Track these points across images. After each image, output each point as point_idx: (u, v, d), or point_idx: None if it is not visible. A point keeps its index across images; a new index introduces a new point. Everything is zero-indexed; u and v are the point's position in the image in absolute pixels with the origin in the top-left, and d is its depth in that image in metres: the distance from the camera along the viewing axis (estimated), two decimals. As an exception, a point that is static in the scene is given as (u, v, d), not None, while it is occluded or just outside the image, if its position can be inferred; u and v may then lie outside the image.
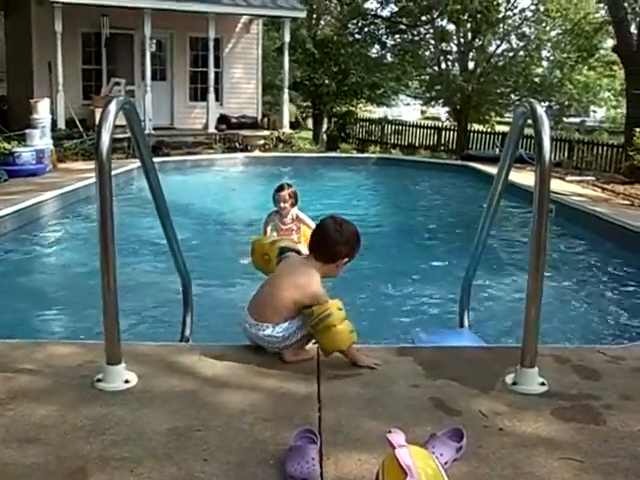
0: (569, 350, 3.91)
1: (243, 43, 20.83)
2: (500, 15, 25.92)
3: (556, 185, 12.00)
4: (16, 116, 18.07)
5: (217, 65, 19.74)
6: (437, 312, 6.28)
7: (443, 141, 23.88)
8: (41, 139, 13.40)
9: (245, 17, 20.42)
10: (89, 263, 6.84)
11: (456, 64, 27.42)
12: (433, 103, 31.63)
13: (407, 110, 41.77)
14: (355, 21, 27.63)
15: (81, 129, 16.42)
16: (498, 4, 25.51)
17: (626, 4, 18.86)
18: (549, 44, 27.39)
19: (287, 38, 19.91)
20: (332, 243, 3.58)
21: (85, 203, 10.76)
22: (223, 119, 19.49)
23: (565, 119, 29.31)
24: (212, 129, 18.90)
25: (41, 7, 16.98)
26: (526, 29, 27.03)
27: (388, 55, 28.43)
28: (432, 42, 27.76)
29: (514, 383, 3.26)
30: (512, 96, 26.86)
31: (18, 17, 19.09)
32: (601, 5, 24.85)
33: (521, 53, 26.73)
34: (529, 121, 3.39)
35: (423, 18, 26.81)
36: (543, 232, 3.15)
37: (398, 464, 2.10)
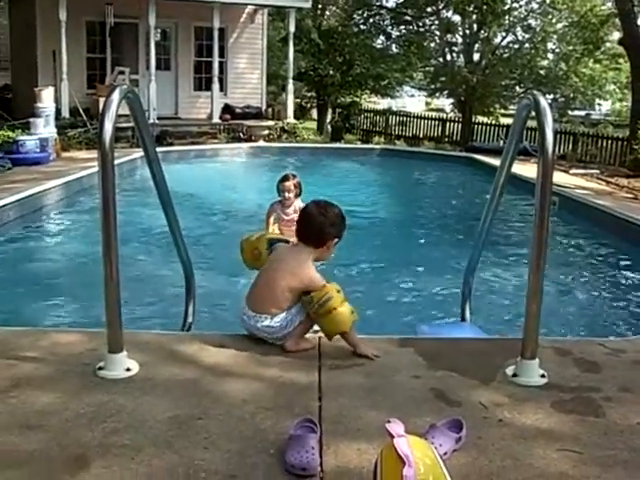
0: (570, 342, 3.92)
1: (248, 33, 20.79)
2: (506, 7, 25.79)
3: (560, 178, 11.98)
4: (20, 105, 18.05)
5: (222, 55, 19.70)
6: (438, 303, 6.28)
7: (447, 133, 23.83)
8: (45, 128, 13.41)
9: (250, 7, 20.37)
10: (92, 252, 6.85)
11: (461, 56, 27.33)
12: (438, 95, 31.54)
13: (412, 101, 41.68)
14: (360, 12, 27.55)
15: (85, 118, 16.42)
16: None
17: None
18: (555, 36, 27.28)
19: (292, 28, 19.87)
20: (319, 227, 3.62)
21: (88, 192, 10.76)
22: (227, 109, 19.47)
23: (570, 112, 29.21)
24: (216, 119, 18.87)
25: (45, -5, 16.97)
26: (532, 21, 26.93)
27: (393, 46, 28.35)
28: (437, 33, 27.67)
29: (514, 375, 3.27)
30: (517, 88, 26.79)
31: (23, 6, 19.04)
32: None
33: (527, 45, 26.63)
34: (533, 113, 3.39)
35: (428, 9, 26.71)
36: (545, 225, 3.15)
37: (396, 453, 2.11)
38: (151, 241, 8.12)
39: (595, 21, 24.93)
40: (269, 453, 2.54)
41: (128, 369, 3.21)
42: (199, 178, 13.87)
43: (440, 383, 3.20)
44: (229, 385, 3.13)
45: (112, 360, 3.19)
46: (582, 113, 33.81)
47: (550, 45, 27.71)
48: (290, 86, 20.00)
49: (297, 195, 6.92)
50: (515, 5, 26.39)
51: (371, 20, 27.63)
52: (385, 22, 27.73)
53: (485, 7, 24.55)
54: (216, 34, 18.50)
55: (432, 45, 28.20)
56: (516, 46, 26.84)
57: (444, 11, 26.60)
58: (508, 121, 21.18)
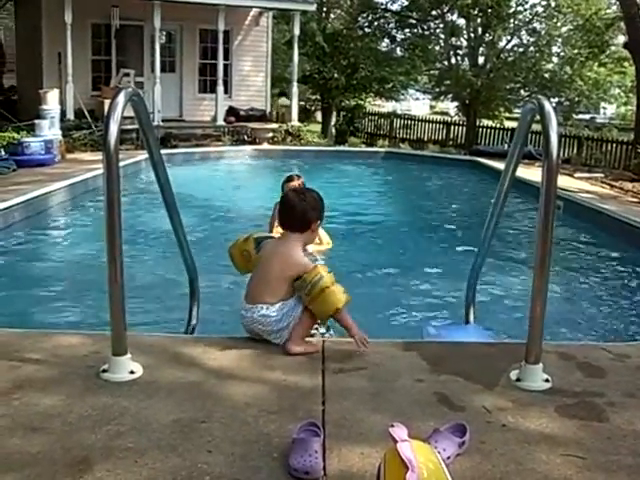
0: (574, 347, 3.91)
1: (253, 36, 20.82)
2: (511, 10, 25.80)
3: (564, 182, 11.97)
4: (25, 106, 18.11)
5: (226, 57, 19.73)
6: (443, 306, 6.28)
7: (452, 136, 23.84)
8: (50, 129, 13.44)
9: (255, 10, 20.40)
10: (96, 254, 6.86)
11: (466, 59, 27.32)
12: (442, 98, 31.52)
13: (416, 105, 41.68)
14: (365, 15, 27.55)
15: (90, 120, 16.45)
16: (509, -1, 25.44)
17: (638, 0, 18.73)
18: (560, 40, 27.25)
19: (297, 31, 19.89)
20: (302, 212, 3.69)
21: (93, 194, 10.78)
22: (232, 111, 19.49)
23: (575, 115, 29.18)
24: (221, 121, 18.90)
25: (51, -2, 17.01)
26: (537, 24, 26.89)
27: (398, 49, 28.36)
28: (442, 37, 27.66)
29: (518, 379, 3.26)
30: (522, 92, 26.77)
31: (28, 8, 19.11)
32: (613, 1, 24.73)
33: (531, 49, 26.61)
34: (537, 117, 3.39)
35: (433, 12, 26.71)
36: (549, 228, 3.15)
37: (400, 458, 2.11)
38: (155, 243, 8.12)
39: (600, 24, 24.92)
40: (272, 457, 2.54)
41: (132, 372, 3.21)
42: (203, 180, 13.89)
43: (444, 387, 3.20)
44: (233, 388, 3.13)
45: (116, 363, 3.19)
46: (587, 117, 33.77)
47: (555, 49, 27.70)
48: (295, 89, 20.01)
49: None
50: (520, 9, 26.37)
51: (376, 23, 27.63)
52: (390, 25, 27.74)
53: (490, 10, 24.57)
54: (221, 36, 18.53)
55: (437, 48, 28.19)
56: (521, 49, 26.82)
57: (449, 14, 26.59)
58: (513, 124, 21.16)
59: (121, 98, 3.12)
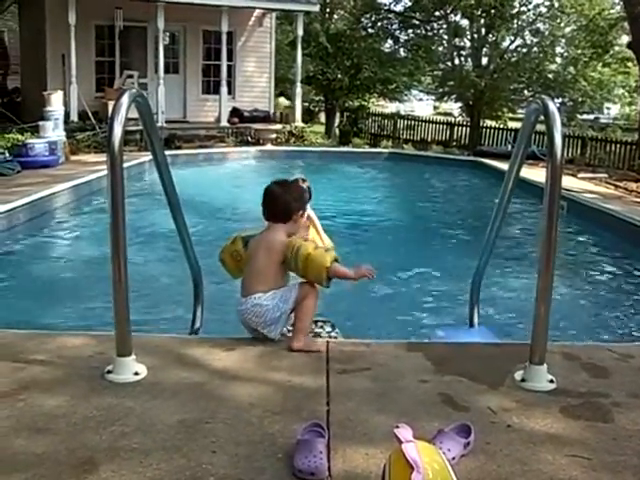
0: (578, 347, 3.90)
1: (256, 37, 20.83)
2: (514, 11, 25.76)
3: (568, 182, 11.96)
4: (29, 108, 18.16)
5: (230, 58, 19.75)
6: (448, 306, 6.28)
7: (455, 137, 23.81)
8: (54, 131, 13.47)
9: (258, 10, 20.41)
10: (101, 255, 6.87)
11: (469, 59, 27.29)
12: (446, 98, 31.49)
13: (420, 105, 41.66)
14: (368, 15, 27.52)
15: (94, 121, 16.47)
16: (512, -1, 25.41)
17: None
18: (563, 40, 27.21)
19: (300, 32, 19.90)
20: (284, 204, 3.76)
21: (97, 195, 10.80)
22: (235, 112, 19.51)
23: (579, 116, 29.11)
24: (224, 122, 18.92)
25: (55, -1, 17.04)
26: (540, 25, 26.85)
27: (401, 50, 28.32)
28: (445, 37, 27.64)
29: (523, 380, 3.25)
30: (525, 92, 26.73)
31: (32, 9, 19.14)
32: (616, 1, 24.68)
33: (535, 49, 26.56)
34: (541, 117, 3.38)
35: (437, 13, 26.68)
36: (554, 229, 3.14)
37: (405, 459, 2.10)
38: (159, 245, 8.13)
39: (604, 25, 24.87)
40: (277, 457, 2.54)
41: (136, 373, 3.21)
42: (207, 181, 13.90)
43: (448, 388, 3.19)
44: (237, 389, 3.13)
45: (120, 364, 3.20)
46: (591, 117, 33.70)
47: (558, 49, 27.66)
48: (298, 90, 20.02)
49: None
50: (523, 9, 26.34)
51: (379, 24, 27.60)
52: (393, 26, 27.70)
53: (493, 11, 24.54)
54: (224, 38, 18.55)
55: (440, 49, 28.17)
56: (524, 50, 26.78)
57: (452, 15, 26.56)
58: (516, 125, 21.16)
59: (125, 99, 3.12)
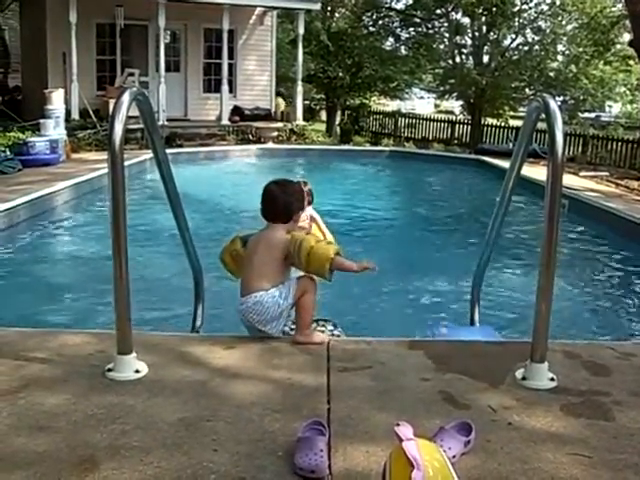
0: (579, 346, 3.90)
1: (257, 35, 20.83)
2: (515, 8, 25.72)
3: (569, 180, 11.95)
4: (30, 106, 18.15)
5: (231, 57, 19.74)
6: (449, 305, 6.28)
7: (457, 135, 23.78)
8: (55, 129, 13.47)
9: (259, 9, 20.41)
10: (101, 253, 6.88)
11: (470, 58, 27.25)
12: (447, 97, 31.48)
13: (421, 103, 41.61)
14: (369, 14, 27.49)
15: (95, 120, 16.48)
16: (514, -3, 25.39)
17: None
18: (565, 38, 27.16)
19: (301, 30, 19.90)
20: (284, 205, 3.77)
21: (98, 193, 10.81)
22: (237, 111, 19.51)
23: (580, 114, 29.08)
24: (225, 121, 18.92)
25: (56, -3, 17.04)
26: (542, 23, 26.81)
27: (402, 48, 28.28)
28: (446, 35, 27.61)
29: (524, 378, 3.25)
30: (526, 90, 26.70)
31: (33, 8, 19.14)
32: (617, -1, 24.67)
33: (536, 47, 26.52)
34: (543, 116, 3.38)
35: (438, 11, 26.64)
36: (555, 227, 3.14)
37: (405, 457, 2.10)
38: (160, 243, 8.13)
39: (605, 22, 24.84)
40: (278, 455, 2.54)
41: (137, 371, 3.21)
42: (208, 180, 13.91)
43: (449, 386, 3.19)
44: (238, 387, 3.13)
45: (121, 362, 3.20)
46: (592, 115, 33.64)
47: (560, 47, 27.59)
48: (299, 88, 20.01)
49: (309, 203, 6.80)
50: (525, 7, 26.29)
51: (380, 22, 27.58)
52: (394, 24, 27.67)
53: (494, 9, 24.51)
54: (225, 36, 18.55)
55: (441, 47, 28.13)
56: (526, 48, 26.74)
57: (453, 13, 26.53)
58: (518, 123, 21.15)
59: (126, 98, 3.12)
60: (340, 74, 24.80)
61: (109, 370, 3.21)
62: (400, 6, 27.61)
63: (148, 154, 12.01)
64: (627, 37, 23.27)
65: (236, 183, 13.92)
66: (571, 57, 26.55)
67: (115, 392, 3.03)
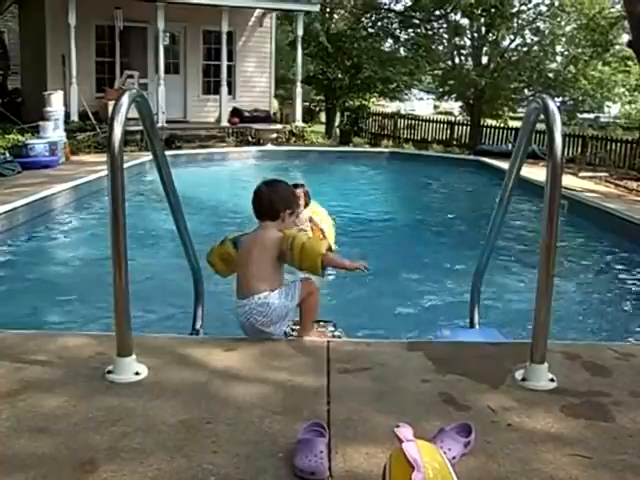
0: (579, 346, 3.90)
1: (256, 37, 20.84)
2: (514, 9, 25.75)
3: (569, 181, 11.96)
4: (30, 108, 18.17)
5: (230, 59, 19.76)
6: (449, 307, 6.28)
7: (456, 136, 23.80)
8: (54, 131, 13.48)
9: (258, 11, 20.42)
10: (101, 255, 6.88)
11: (469, 59, 27.27)
12: (446, 98, 31.48)
13: (420, 105, 41.63)
14: (368, 15, 27.50)
15: (94, 122, 16.49)
16: (512, -2, 25.42)
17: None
18: (563, 39, 27.19)
19: (300, 32, 19.91)
20: (270, 202, 3.80)
21: (97, 195, 10.80)
22: (236, 112, 19.52)
23: (579, 115, 29.11)
24: (225, 122, 18.94)
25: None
26: (540, 24, 26.82)
27: (401, 49, 28.29)
28: (445, 36, 27.63)
29: (523, 379, 3.25)
30: (525, 91, 26.73)
31: (32, 9, 19.15)
32: (616, 0, 24.68)
33: (535, 48, 26.54)
34: (542, 116, 3.38)
35: (437, 12, 26.66)
36: (554, 228, 3.14)
37: (405, 458, 2.10)
38: (160, 245, 8.14)
39: (604, 23, 24.86)
40: (278, 457, 2.54)
41: (137, 373, 3.21)
42: (208, 181, 13.91)
43: (449, 387, 3.19)
44: (238, 389, 3.13)
45: (121, 364, 3.19)
46: (591, 116, 33.66)
47: (559, 48, 27.61)
48: (299, 89, 20.02)
49: (305, 205, 6.82)
50: (523, 8, 26.33)
51: (379, 23, 27.59)
52: (393, 25, 27.68)
53: (493, 10, 24.52)
54: (224, 38, 18.56)
55: (440, 48, 28.14)
56: (525, 49, 26.76)
57: (452, 14, 26.54)
58: (517, 124, 21.16)
59: (125, 99, 3.12)
60: (339, 75, 24.82)
61: (109, 372, 3.20)
62: (399, 7, 27.65)
63: (148, 156, 12.00)
64: (626, 38, 23.27)
65: (235, 185, 13.92)
66: (570, 58, 26.57)
67: (115, 394, 3.03)
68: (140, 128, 4.18)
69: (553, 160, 3.09)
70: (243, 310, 3.68)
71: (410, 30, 27.78)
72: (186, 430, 2.72)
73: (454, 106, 36.42)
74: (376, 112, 27.27)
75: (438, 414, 2.91)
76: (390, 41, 28.26)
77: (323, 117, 28.69)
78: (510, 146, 18.16)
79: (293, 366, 3.40)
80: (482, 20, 25.78)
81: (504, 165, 11.76)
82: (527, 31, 26.91)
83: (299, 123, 19.85)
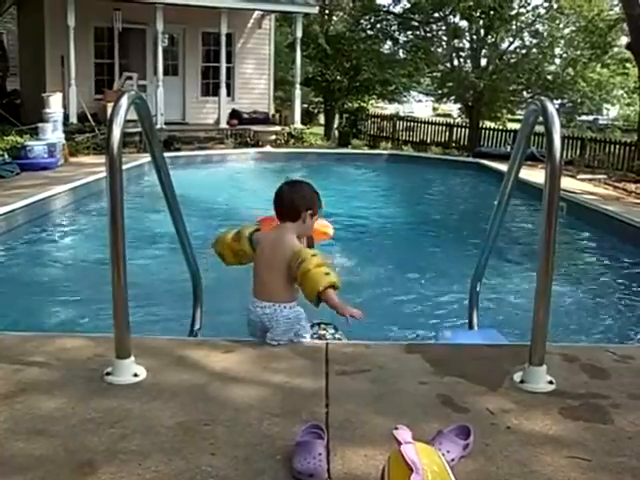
0: (577, 349, 3.90)
1: (255, 39, 20.83)
2: (513, 12, 25.78)
3: (567, 183, 11.96)
4: (28, 110, 18.17)
5: (229, 60, 19.75)
6: (448, 309, 6.28)
7: (455, 138, 23.82)
8: (53, 133, 13.48)
9: (257, 13, 20.41)
10: (100, 257, 6.87)
11: (468, 61, 27.31)
12: (445, 100, 31.51)
13: (419, 107, 41.63)
14: (367, 17, 27.53)
15: (93, 123, 16.48)
16: (511, 0, 25.40)
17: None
18: (562, 41, 27.24)
19: (299, 34, 19.91)
20: (290, 200, 3.74)
21: (96, 197, 10.80)
22: (235, 114, 19.52)
23: (577, 117, 29.14)
24: (224, 124, 18.93)
25: (54, 1, 17.02)
26: (539, 26, 26.87)
27: (400, 51, 28.32)
28: (444, 39, 27.66)
29: (522, 381, 3.25)
30: (524, 93, 26.75)
31: (31, 11, 19.15)
32: (615, 2, 24.71)
33: (534, 50, 26.57)
34: (540, 119, 3.38)
35: (435, 14, 26.70)
36: (553, 230, 3.14)
37: (404, 460, 2.10)
38: (158, 246, 8.13)
39: (603, 26, 24.90)
40: (276, 459, 2.54)
41: (135, 375, 3.20)
42: (206, 183, 13.90)
43: (447, 389, 3.19)
44: (236, 391, 3.13)
45: (119, 365, 3.19)
46: (590, 118, 33.71)
47: (557, 50, 27.66)
48: (297, 91, 20.02)
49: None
50: (522, 10, 26.36)
51: (378, 25, 27.61)
52: (392, 27, 27.70)
53: (492, 12, 24.56)
54: (223, 40, 18.56)
55: (439, 50, 28.17)
56: (523, 51, 26.80)
57: (451, 16, 26.58)
58: (515, 126, 21.17)
59: (124, 101, 3.12)
60: (338, 77, 24.83)
61: (107, 374, 3.20)
62: (398, 9, 27.67)
63: (146, 158, 11.97)
64: (624, 40, 23.32)
65: (234, 186, 13.92)
66: (568, 60, 26.61)
67: (113, 396, 3.02)
68: (139, 130, 4.17)
69: (552, 162, 3.09)
70: (257, 312, 3.66)
71: (409, 32, 27.80)
72: (184, 432, 2.72)
73: (453, 108, 36.45)
74: (375, 114, 27.29)
75: (437, 416, 2.91)
76: (389, 43, 28.30)
77: (322, 119, 28.71)
78: (509, 148, 18.17)
79: (291, 368, 3.40)
80: (481, 22, 25.82)
81: (503, 167, 11.75)
82: (526, 33, 26.96)
83: (298, 125, 19.85)
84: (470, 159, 17.90)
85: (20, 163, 11.93)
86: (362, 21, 27.60)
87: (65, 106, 15.59)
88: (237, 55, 20.47)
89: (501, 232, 4.58)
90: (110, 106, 3.29)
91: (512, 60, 26.50)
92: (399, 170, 17.15)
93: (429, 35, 27.68)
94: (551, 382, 3.24)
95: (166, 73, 18.34)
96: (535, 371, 3.24)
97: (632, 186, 13.06)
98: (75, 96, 16.85)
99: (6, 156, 11.87)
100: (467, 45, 27.28)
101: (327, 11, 27.38)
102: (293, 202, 3.73)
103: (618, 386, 3.28)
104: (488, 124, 24.84)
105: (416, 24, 27.28)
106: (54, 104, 14.15)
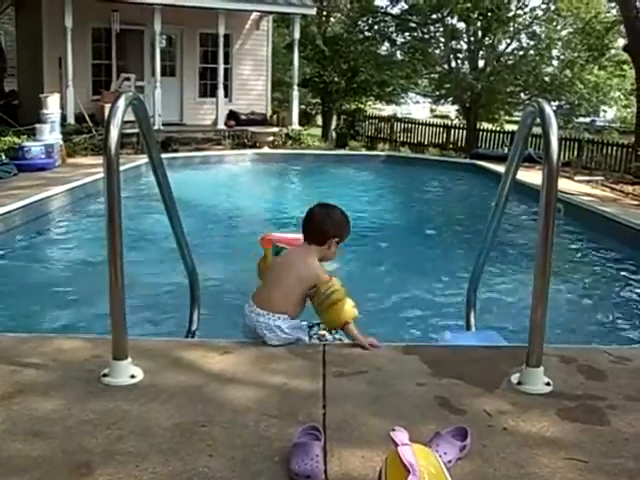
0: (575, 350, 3.90)
1: (253, 40, 20.83)
2: (510, 14, 25.83)
3: (565, 185, 11.97)
4: (26, 111, 18.15)
5: (227, 61, 19.74)
6: (447, 310, 6.28)
7: (452, 139, 23.84)
8: (50, 134, 13.46)
9: (255, 14, 20.41)
10: (97, 258, 6.87)
11: (466, 62, 27.35)
12: (443, 101, 31.55)
13: (416, 108, 41.65)
14: (365, 18, 27.56)
15: (90, 124, 16.47)
16: (509, 2, 25.45)
17: (638, 3, 18.74)
18: (559, 43, 27.30)
19: (297, 35, 19.91)
20: (320, 224, 3.74)
21: (93, 198, 10.79)
22: (232, 115, 19.52)
23: (575, 119, 29.17)
24: (221, 125, 18.92)
25: (52, 2, 17.01)
26: (536, 28, 26.93)
27: (398, 53, 28.35)
28: (442, 40, 27.70)
29: (519, 383, 3.25)
30: (522, 95, 26.80)
31: (29, 12, 19.14)
32: (612, 4, 24.76)
33: (531, 52, 26.63)
34: (538, 120, 3.38)
35: (433, 16, 26.73)
36: (550, 232, 3.14)
37: (401, 462, 2.10)
38: (156, 248, 8.12)
39: (600, 28, 24.96)
40: (273, 460, 2.54)
41: (132, 376, 3.20)
42: (204, 184, 13.90)
43: (445, 391, 3.19)
44: (233, 392, 3.12)
45: (116, 367, 3.19)
46: (587, 120, 33.74)
47: (555, 52, 27.73)
48: (295, 92, 20.02)
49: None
50: (520, 12, 26.41)
51: (376, 27, 27.64)
52: (390, 29, 27.74)
53: (490, 14, 24.60)
54: (221, 41, 18.56)
55: (437, 52, 28.21)
56: (521, 53, 26.85)
57: (449, 18, 26.62)
58: (513, 128, 21.18)
59: (122, 102, 3.12)
60: (336, 79, 24.82)
61: (104, 375, 3.20)
62: (396, 11, 27.71)
63: (144, 159, 11.99)
64: (621, 42, 23.38)
65: (232, 188, 13.92)
66: (566, 62, 26.67)
67: (110, 397, 3.02)
68: (136, 131, 4.18)
69: (549, 164, 3.10)
70: (254, 319, 3.64)
71: (407, 34, 27.85)
72: (181, 433, 2.72)
73: (450, 109, 36.51)
74: (372, 115, 27.34)
75: (434, 418, 2.91)
76: (387, 44, 28.34)
77: (319, 120, 28.71)
78: (506, 150, 18.20)
79: (289, 369, 3.40)
80: (478, 24, 25.85)
81: (500, 169, 11.75)
82: (523, 35, 27.04)
83: (295, 126, 19.85)
84: (467, 160, 17.90)
85: (17, 164, 11.91)
86: (360, 22, 27.63)
87: (63, 107, 15.57)
88: (235, 56, 20.46)
89: (498, 234, 4.58)
90: (108, 107, 3.29)
91: (509, 62, 26.56)
92: (396, 171, 17.15)
93: (427, 37, 27.72)
94: (548, 384, 3.25)
95: (164, 74, 18.34)
96: (532, 372, 3.24)
97: (629, 188, 13.07)
98: (73, 97, 16.83)
99: (3, 157, 11.85)
100: (465, 47, 27.33)
101: (325, 12, 27.40)
102: (323, 226, 3.73)
103: (615, 388, 3.28)
104: (485, 126, 24.87)
105: (414, 25, 27.32)
106: (52, 105, 14.12)
